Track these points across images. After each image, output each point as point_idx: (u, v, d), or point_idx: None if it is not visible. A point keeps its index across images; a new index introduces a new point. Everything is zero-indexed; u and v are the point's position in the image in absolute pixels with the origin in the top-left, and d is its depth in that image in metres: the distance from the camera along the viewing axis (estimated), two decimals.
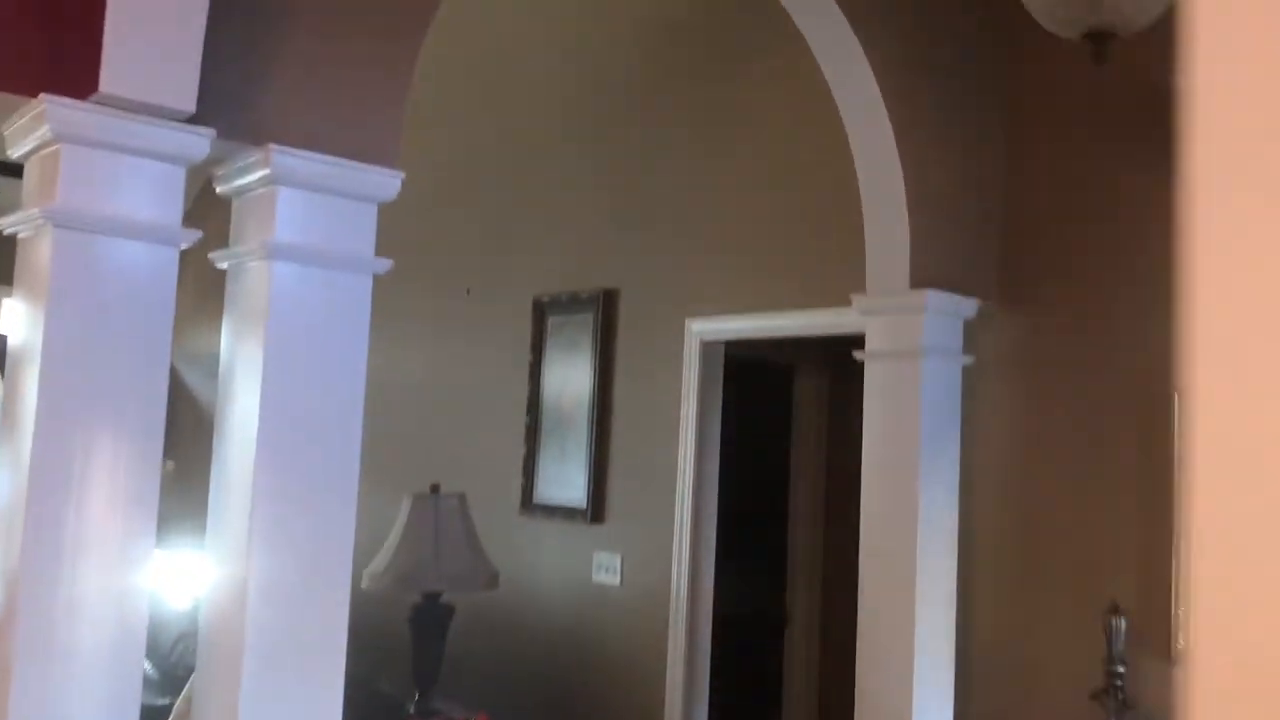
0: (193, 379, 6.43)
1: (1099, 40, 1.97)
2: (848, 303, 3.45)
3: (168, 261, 1.93)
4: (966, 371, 3.27)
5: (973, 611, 3.25)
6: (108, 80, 1.79)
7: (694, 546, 4.00)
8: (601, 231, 4.46)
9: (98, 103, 1.82)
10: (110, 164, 1.87)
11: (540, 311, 4.62)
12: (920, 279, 3.13)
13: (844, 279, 3.51)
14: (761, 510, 5.15)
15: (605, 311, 4.36)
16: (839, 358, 4.95)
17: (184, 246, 1.96)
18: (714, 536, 4.05)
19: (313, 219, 2.10)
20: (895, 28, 3.05)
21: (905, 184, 3.08)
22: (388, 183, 2.17)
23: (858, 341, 3.30)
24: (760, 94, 3.89)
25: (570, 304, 4.49)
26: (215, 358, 2.24)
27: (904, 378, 3.16)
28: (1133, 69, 2.99)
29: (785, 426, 5.15)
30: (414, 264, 4.03)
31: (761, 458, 5.15)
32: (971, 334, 3.28)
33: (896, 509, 3.15)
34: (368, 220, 2.17)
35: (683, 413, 4.05)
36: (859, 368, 3.30)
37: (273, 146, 2.03)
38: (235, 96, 2.02)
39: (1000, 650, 3.21)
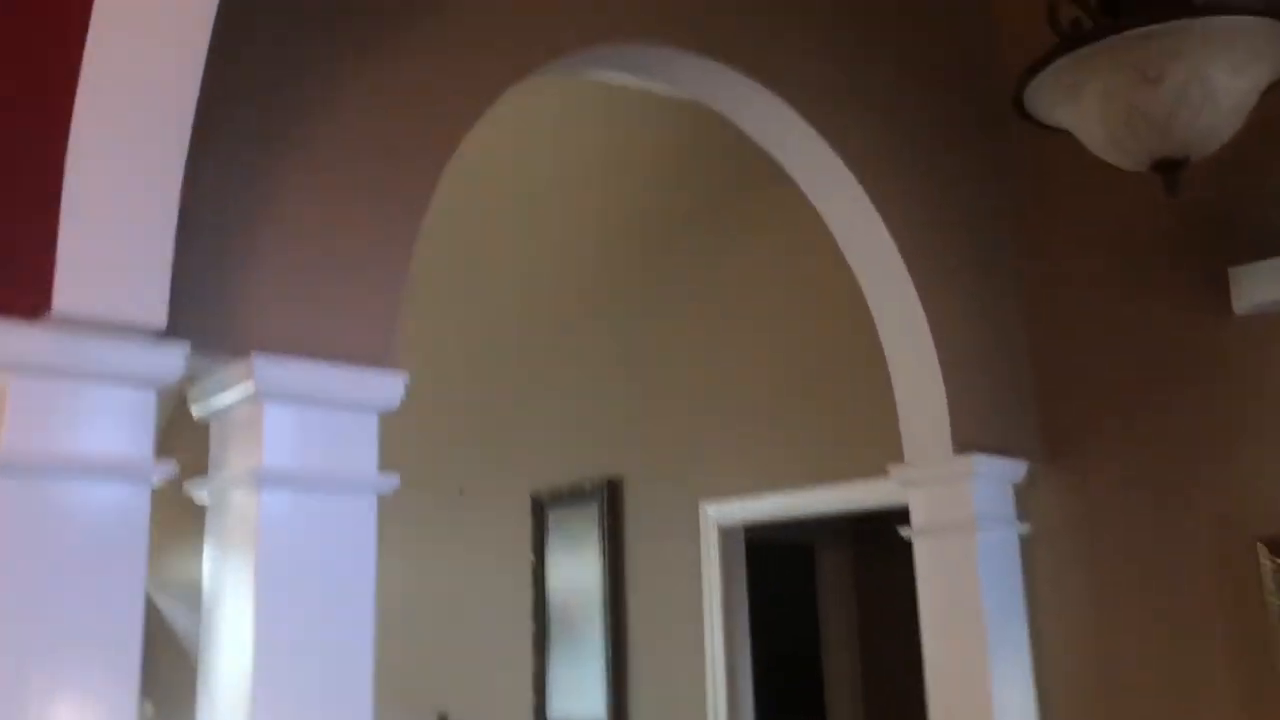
0: (170, 607, 6.00)
1: (1170, 169, 1.78)
2: (876, 474, 3.20)
3: (138, 502, 1.64)
4: (1023, 540, 2.98)
5: None
6: (63, 297, 1.54)
7: None
8: (602, 416, 4.20)
9: (52, 324, 1.56)
10: (68, 395, 1.60)
11: (540, 507, 4.31)
12: (963, 444, 2.88)
13: (872, 449, 3.26)
14: (796, 690, 4.75)
15: (611, 502, 4.06)
16: (863, 530, 4.66)
17: (158, 482, 1.67)
18: None
19: (306, 437, 1.82)
20: (909, 187, 2.89)
21: (935, 345, 2.86)
22: (390, 388, 1.91)
23: (888, 515, 3.02)
24: (769, 263, 3.71)
25: (572, 497, 4.19)
26: (194, 585, 1.92)
27: (958, 552, 2.87)
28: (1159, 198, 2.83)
29: (808, 601, 4.81)
30: (397, 464, 3.76)
31: (785, 633, 4.79)
32: (1021, 499, 3.01)
33: (966, 693, 2.81)
34: (368, 433, 1.89)
35: (705, 607, 3.72)
36: (886, 538, 3.02)
37: (256, 356, 1.77)
38: (211, 303, 1.77)
39: None
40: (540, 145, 4.49)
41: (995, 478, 2.92)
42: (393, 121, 2.01)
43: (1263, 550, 2.62)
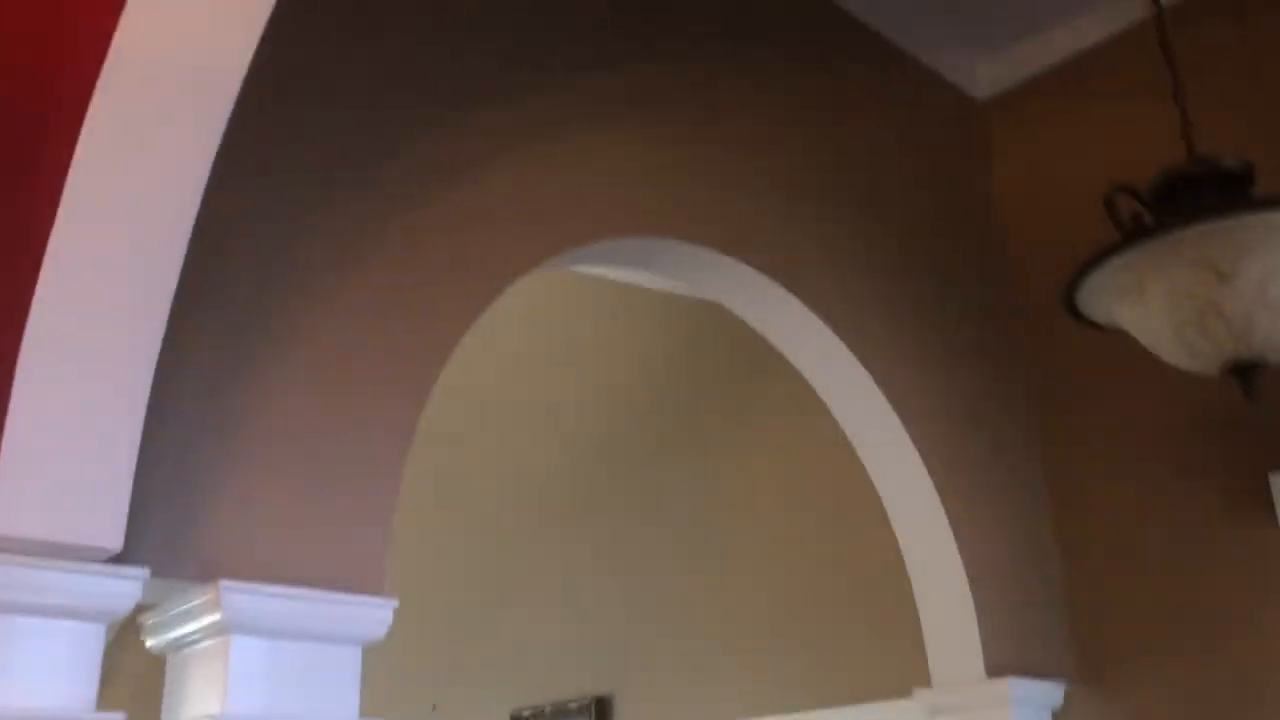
0: None
1: (1247, 373, 1.62)
2: (893, 697, 2.93)
3: None
4: None
5: None
6: (4, 518, 1.31)
7: None
8: (590, 628, 3.90)
9: None
10: (2, 631, 1.35)
11: None
12: (997, 665, 2.63)
13: (889, 671, 3.00)
14: None
15: None
16: None
17: None
18: None
19: (278, 675, 1.56)
20: (927, 387, 2.74)
21: (962, 558, 2.65)
22: (376, 616, 1.66)
23: None
24: (777, 466, 3.51)
25: (556, 716, 3.85)
26: None
27: None
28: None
29: None
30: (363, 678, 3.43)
31: None
32: None
33: None
34: (350, 669, 1.64)
35: None
36: None
37: (224, 583, 1.53)
38: (174, 522, 1.54)
39: None
40: (526, 338, 4.35)
41: (1033, 703, 2.65)
42: (389, 320, 1.83)
43: None
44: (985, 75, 3.20)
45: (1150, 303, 1.62)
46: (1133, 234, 1.60)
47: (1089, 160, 2.99)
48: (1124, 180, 1.70)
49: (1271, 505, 2.57)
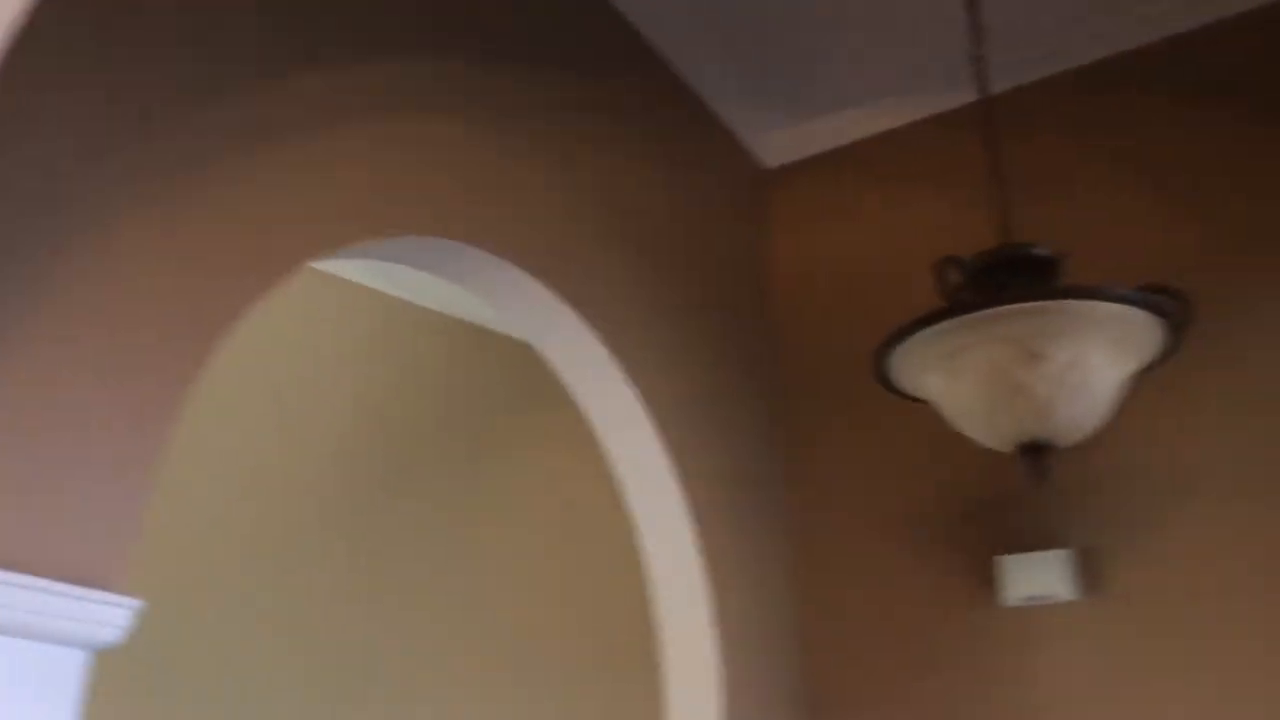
0: None
1: (1038, 453, 1.68)
2: None
3: None
4: None
5: None
6: None
7: None
8: (317, 652, 3.62)
9: None
10: None
11: None
12: None
13: None
14: None
15: None
16: None
17: None
18: None
19: None
20: (705, 458, 2.72)
21: (717, 630, 2.62)
22: (109, 616, 1.42)
23: None
24: (536, 502, 3.39)
25: None
26: None
27: None
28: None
29: None
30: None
31: None
32: None
33: None
34: (70, 676, 1.39)
35: None
36: None
37: None
38: None
39: None
40: (282, 344, 4.04)
41: None
42: (155, 295, 1.60)
43: None
44: (778, 142, 3.28)
45: (963, 375, 1.66)
46: (955, 306, 1.64)
47: (864, 242, 3.11)
48: (943, 254, 1.75)
49: (995, 585, 2.71)
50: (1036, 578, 2.66)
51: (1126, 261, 2.62)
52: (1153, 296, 1.61)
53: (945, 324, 1.63)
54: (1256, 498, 2.45)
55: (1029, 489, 2.66)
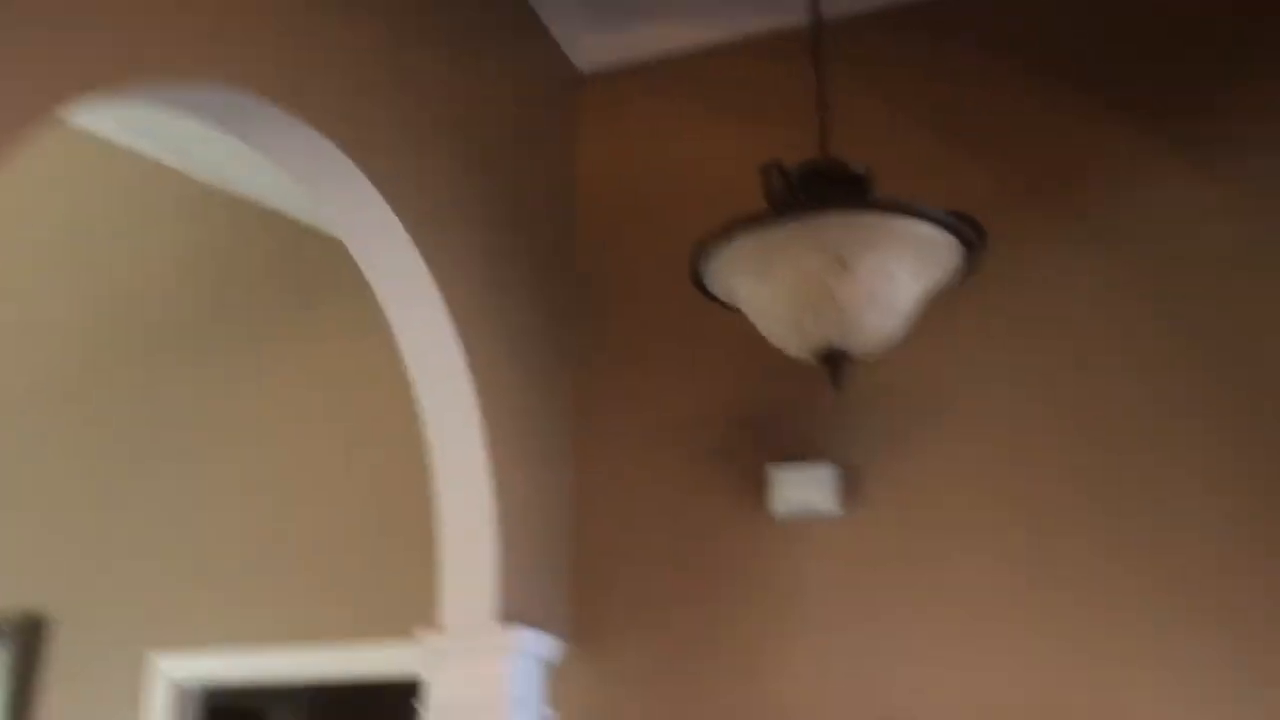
0: None
1: (839, 361, 1.76)
2: (392, 635, 2.87)
3: None
4: None
5: None
6: None
7: None
8: (30, 534, 3.38)
9: None
10: None
11: None
12: (508, 614, 2.64)
13: (391, 609, 2.92)
14: None
15: (27, 643, 3.24)
16: (326, 699, 4.16)
17: None
18: None
19: None
20: (496, 342, 2.69)
21: (497, 505, 2.63)
22: None
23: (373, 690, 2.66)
24: (312, 385, 3.26)
25: None
26: None
27: None
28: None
29: None
30: None
31: None
32: (549, 682, 2.81)
33: None
34: None
35: None
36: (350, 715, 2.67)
37: None
38: None
39: None
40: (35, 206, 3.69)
41: (534, 655, 2.69)
42: None
43: None
44: (594, 46, 3.23)
45: (774, 279, 1.71)
46: (776, 210, 1.67)
47: (675, 153, 3.13)
48: (772, 159, 1.78)
49: (767, 494, 2.82)
50: (802, 490, 2.78)
51: (925, 198, 2.76)
52: (959, 221, 1.70)
53: (766, 226, 1.67)
54: (1010, 422, 2.65)
55: (801, 401, 2.78)
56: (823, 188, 1.77)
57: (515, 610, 2.67)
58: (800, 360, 1.87)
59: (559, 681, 2.82)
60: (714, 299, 1.92)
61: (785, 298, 1.71)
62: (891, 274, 1.69)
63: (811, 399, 2.84)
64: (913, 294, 1.76)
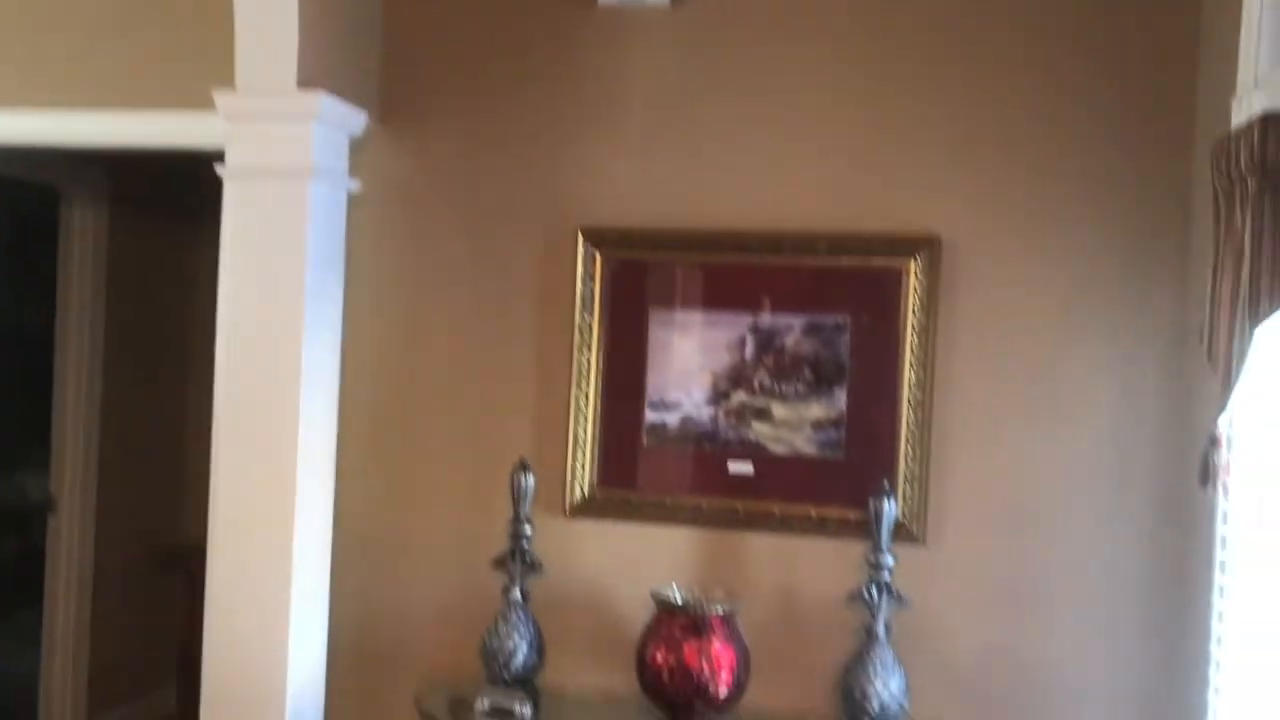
0: None
1: None
2: (182, 104, 2.74)
3: None
4: (350, 198, 2.75)
5: (346, 479, 2.80)
6: None
7: None
8: None
9: None
10: None
11: None
12: (308, 78, 2.53)
13: (183, 74, 2.77)
14: (18, 374, 4.10)
15: None
16: (124, 175, 4.06)
17: None
18: None
19: None
20: None
21: None
22: None
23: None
24: None
25: None
26: None
27: (285, 201, 2.56)
28: None
29: (42, 257, 4.12)
30: None
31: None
32: (352, 154, 2.75)
33: (276, 355, 2.56)
34: None
35: None
36: (147, 190, 2.61)
37: None
38: None
39: (378, 521, 2.82)
40: None
41: (335, 124, 2.62)
42: None
43: (581, 239, 2.70)
44: None
45: None
46: None
47: None
48: None
49: None
50: None
51: None
52: None
53: None
54: None
55: None
56: None
57: (318, 76, 2.56)
58: None
59: (364, 155, 2.78)
60: None
61: None
62: None
63: None
64: None
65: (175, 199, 4.33)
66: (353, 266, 2.79)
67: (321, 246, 2.61)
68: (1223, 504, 2.04)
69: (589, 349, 2.69)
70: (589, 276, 2.69)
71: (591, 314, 2.69)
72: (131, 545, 4.33)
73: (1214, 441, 1.90)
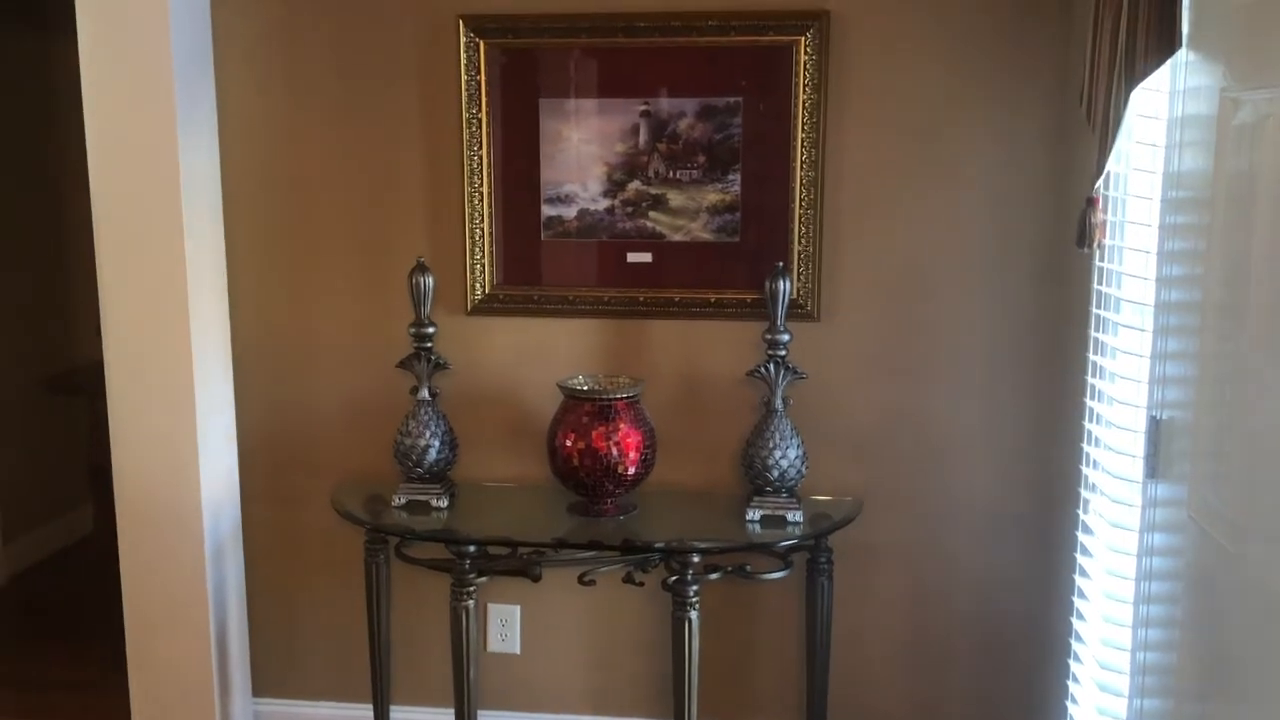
0: None
1: None
2: None
3: None
4: None
5: (239, 286, 2.76)
6: None
7: None
8: None
9: None
10: None
11: None
12: None
13: None
14: None
15: None
16: None
17: None
18: None
19: None
20: None
21: None
22: None
23: None
24: None
25: None
26: None
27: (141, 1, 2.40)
28: None
29: None
30: None
31: None
32: None
33: (151, 179, 2.48)
34: None
35: None
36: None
37: None
38: None
39: (276, 327, 2.80)
40: None
41: None
42: None
43: (462, 27, 2.60)
44: None
45: None
46: None
47: None
48: None
49: None
50: None
51: None
52: None
53: None
54: None
55: None
56: None
57: None
58: None
59: None
60: None
61: None
62: None
63: None
64: None
65: (35, 5, 4.08)
66: (223, 69, 2.66)
67: (186, 46, 2.48)
68: (1098, 263, 2.13)
69: (479, 145, 2.63)
70: (473, 67, 2.61)
71: (479, 108, 2.62)
72: (23, 370, 4.23)
73: (1090, 202, 1.96)
